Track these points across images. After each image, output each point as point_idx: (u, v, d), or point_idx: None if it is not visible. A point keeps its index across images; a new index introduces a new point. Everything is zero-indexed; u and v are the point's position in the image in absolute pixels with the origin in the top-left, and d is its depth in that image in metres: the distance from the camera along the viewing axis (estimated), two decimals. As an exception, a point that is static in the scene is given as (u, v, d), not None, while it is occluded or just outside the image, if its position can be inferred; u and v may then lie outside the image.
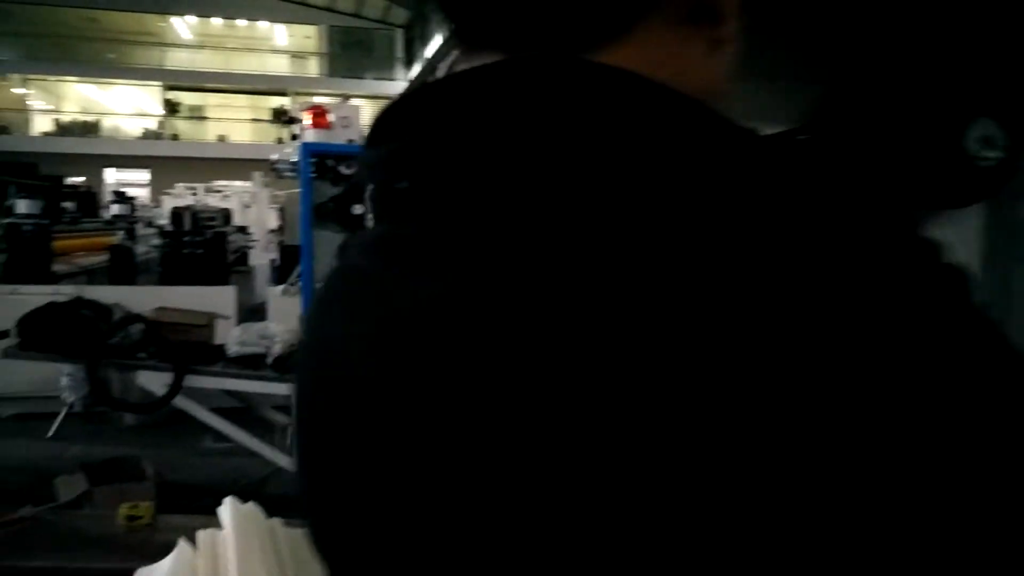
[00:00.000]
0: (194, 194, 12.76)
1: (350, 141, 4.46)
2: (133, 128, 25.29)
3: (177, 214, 7.42)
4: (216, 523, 1.78)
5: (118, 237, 7.37)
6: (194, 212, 7.14)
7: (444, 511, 0.34)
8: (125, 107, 25.68)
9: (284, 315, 6.17)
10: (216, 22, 25.48)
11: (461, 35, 0.44)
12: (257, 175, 10.12)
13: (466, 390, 0.33)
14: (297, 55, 26.44)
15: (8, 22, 23.76)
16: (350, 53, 25.71)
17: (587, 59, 0.38)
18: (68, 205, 9.03)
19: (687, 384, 0.29)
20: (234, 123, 25.80)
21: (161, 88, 25.50)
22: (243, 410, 5.33)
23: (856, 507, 0.27)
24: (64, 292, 5.96)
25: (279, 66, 26.12)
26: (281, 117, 25.34)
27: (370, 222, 0.47)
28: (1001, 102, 0.94)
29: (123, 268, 6.96)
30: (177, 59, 25.44)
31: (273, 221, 10.14)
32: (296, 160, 4.90)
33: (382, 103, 0.52)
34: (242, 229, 8.50)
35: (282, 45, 26.69)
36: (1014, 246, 1.08)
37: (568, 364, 0.30)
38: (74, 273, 7.22)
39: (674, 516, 0.28)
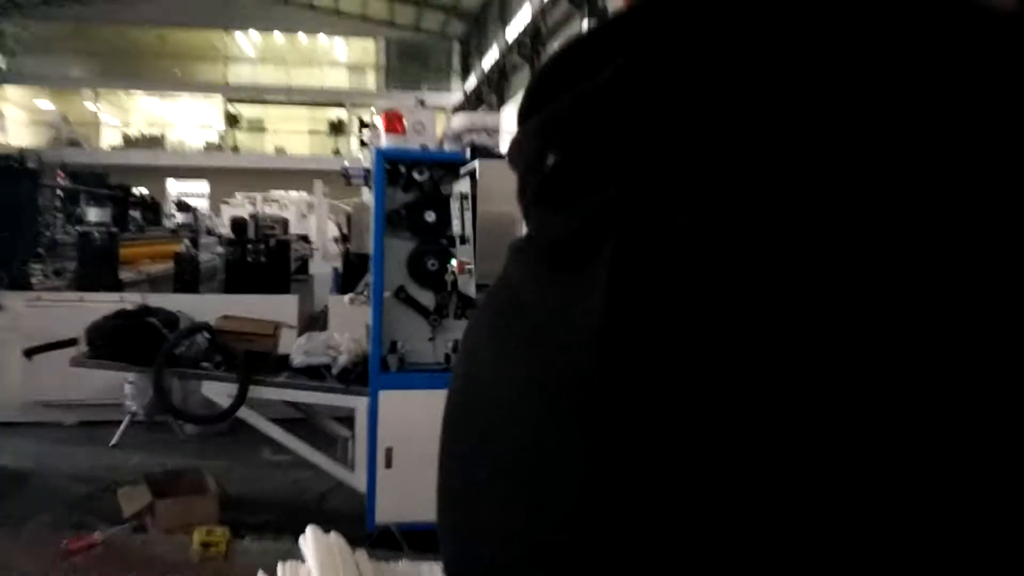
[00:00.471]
0: (252, 204, 12.89)
1: (423, 147, 4.32)
2: (195, 141, 25.86)
3: (239, 223, 7.41)
4: (295, 551, 1.64)
5: (182, 245, 7.40)
6: (257, 221, 7.12)
7: None
8: (188, 120, 26.29)
9: (346, 324, 6.08)
10: (278, 37, 25.96)
11: None
12: (318, 184, 10.13)
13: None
14: (355, 68, 26.75)
15: (82, 40, 24.62)
16: (407, 65, 25.92)
17: None
18: (135, 214, 9.14)
19: None
20: (292, 135, 26.19)
21: (223, 102, 26.07)
22: (302, 421, 5.22)
23: None
24: (129, 300, 5.96)
25: (337, 79, 26.47)
26: (337, 129, 25.67)
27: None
28: None
29: (187, 276, 6.96)
30: (239, 73, 25.98)
31: (331, 230, 10.14)
32: (366, 167, 4.80)
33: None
34: (303, 238, 8.48)
35: (341, 59, 27.02)
36: None
37: None
38: (138, 281, 7.25)
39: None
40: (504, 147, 2.65)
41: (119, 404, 5.94)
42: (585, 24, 16.29)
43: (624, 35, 0.28)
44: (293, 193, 14.51)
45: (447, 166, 4.36)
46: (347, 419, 5.29)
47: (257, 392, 4.37)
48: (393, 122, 4.14)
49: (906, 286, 0.22)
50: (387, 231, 4.23)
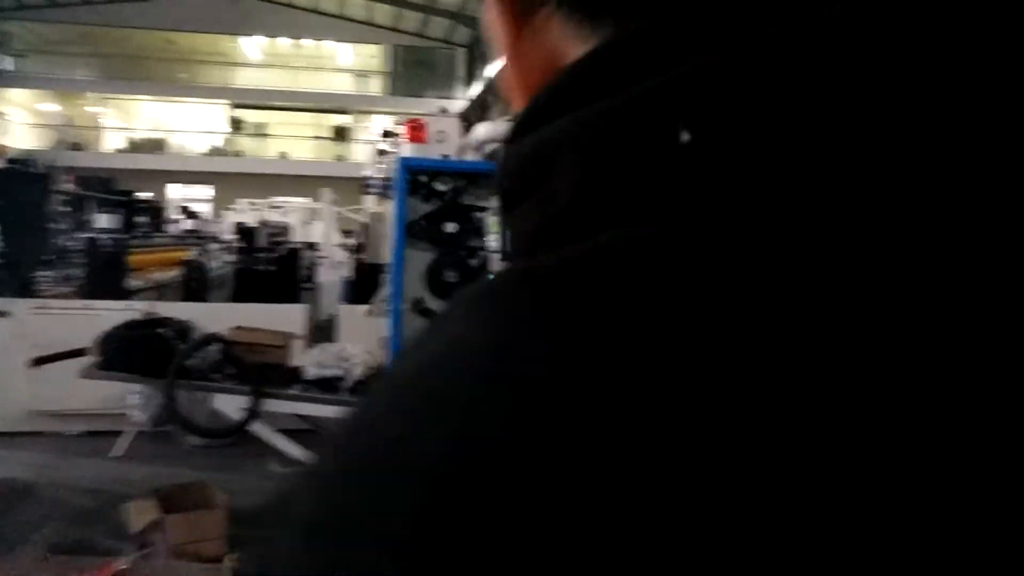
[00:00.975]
0: (256, 209, 12.78)
1: (445, 156, 4.23)
2: (199, 145, 25.79)
3: (247, 230, 7.31)
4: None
5: (190, 252, 7.28)
6: (268, 228, 7.02)
7: None
8: (192, 125, 26.23)
9: (357, 334, 5.97)
10: (283, 42, 25.93)
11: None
12: (325, 192, 10.01)
13: None
14: (360, 74, 26.70)
15: (88, 43, 24.58)
16: (412, 72, 25.88)
17: None
18: (140, 220, 9.03)
19: None
20: (295, 140, 26.12)
21: (228, 106, 26.01)
22: (310, 432, 5.11)
23: None
24: (136, 308, 5.85)
25: (342, 85, 26.42)
26: (341, 135, 25.60)
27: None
28: None
29: (195, 284, 6.86)
30: (244, 78, 25.93)
31: (336, 237, 10.02)
32: (387, 176, 4.71)
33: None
34: (311, 246, 8.37)
35: (346, 64, 26.98)
36: None
37: None
38: (146, 289, 7.14)
39: None
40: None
41: (123, 414, 5.83)
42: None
43: (652, 52, 0.25)
44: (296, 199, 14.40)
45: (469, 176, 4.27)
46: (358, 432, 5.19)
47: (270, 405, 4.27)
48: (417, 131, 4.04)
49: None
50: (407, 242, 4.14)
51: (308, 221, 12.20)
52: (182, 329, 4.72)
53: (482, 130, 4.36)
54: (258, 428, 4.32)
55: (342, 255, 9.06)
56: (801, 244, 0.21)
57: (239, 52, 26.45)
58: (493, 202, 2.57)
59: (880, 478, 0.18)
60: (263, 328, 4.87)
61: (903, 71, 0.22)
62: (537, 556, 0.18)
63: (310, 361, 4.63)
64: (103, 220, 6.71)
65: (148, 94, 25.90)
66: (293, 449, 4.48)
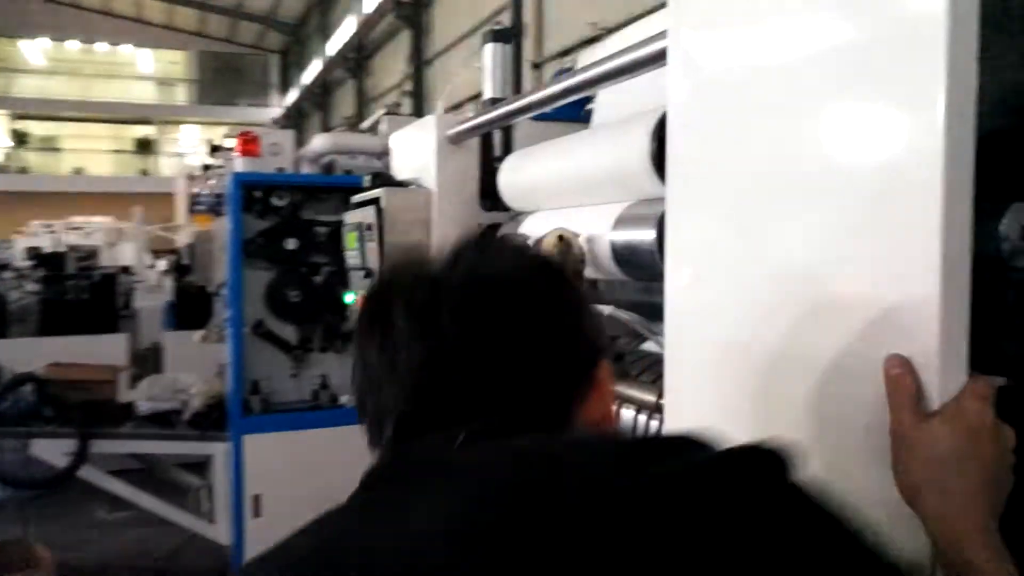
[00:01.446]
0: (52, 232, 11.67)
1: (280, 170, 4.05)
2: (-28, 162, 23.07)
3: (51, 255, 6.64)
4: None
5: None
6: (76, 253, 6.41)
7: None
8: (-36, 139, 23.44)
9: (187, 363, 5.58)
10: (72, 46, 23.74)
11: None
12: (137, 209, 9.28)
13: None
14: (163, 82, 24.99)
15: None
16: (221, 79, 24.55)
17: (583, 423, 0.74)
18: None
19: None
20: (92, 154, 24.00)
21: (7, 117, 23.47)
22: (141, 472, 4.72)
23: None
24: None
25: (142, 93, 24.60)
26: (145, 147, 23.88)
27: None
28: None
29: (-8, 318, 6.13)
30: (26, 86, 23.49)
31: (147, 258, 9.34)
32: (218, 192, 4.43)
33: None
34: (125, 270, 7.72)
35: (146, 71, 25.15)
36: None
37: None
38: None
39: None
40: (396, 170, 2.50)
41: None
42: (409, 38, 16.20)
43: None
44: (98, 218, 13.24)
45: (307, 190, 4.12)
46: (196, 466, 4.86)
47: (101, 447, 3.89)
48: (249, 144, 3.84)
49: None
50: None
51: (114, 243, 11.29)
52: (-13, 371, 4.22)
53: (319, 142, 4.22)
54: (86, 472, 3.93)
55: (162, 278, 8.46)
56: None
57: (19, 57, 23.94)
58: (348, 216, 2.49)
59: None
60: (83, 362, 4.44)
61: None
62: None
63: (141, 395, 4.28)
64: None
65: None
66: (130, 493, 4.12)
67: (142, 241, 9.18)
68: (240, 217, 3.87)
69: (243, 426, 3.83)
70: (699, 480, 0.55)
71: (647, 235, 1.46)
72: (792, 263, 0.95)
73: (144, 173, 22.88)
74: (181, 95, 24.86)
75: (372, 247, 2.24)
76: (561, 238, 1.55)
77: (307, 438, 3.92)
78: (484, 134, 2.22)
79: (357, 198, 2.42)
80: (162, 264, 10.18)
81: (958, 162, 0.76)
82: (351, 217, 2.41)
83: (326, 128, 21.18)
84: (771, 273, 0.99)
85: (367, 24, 17.21)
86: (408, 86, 16.09)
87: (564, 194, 1.83)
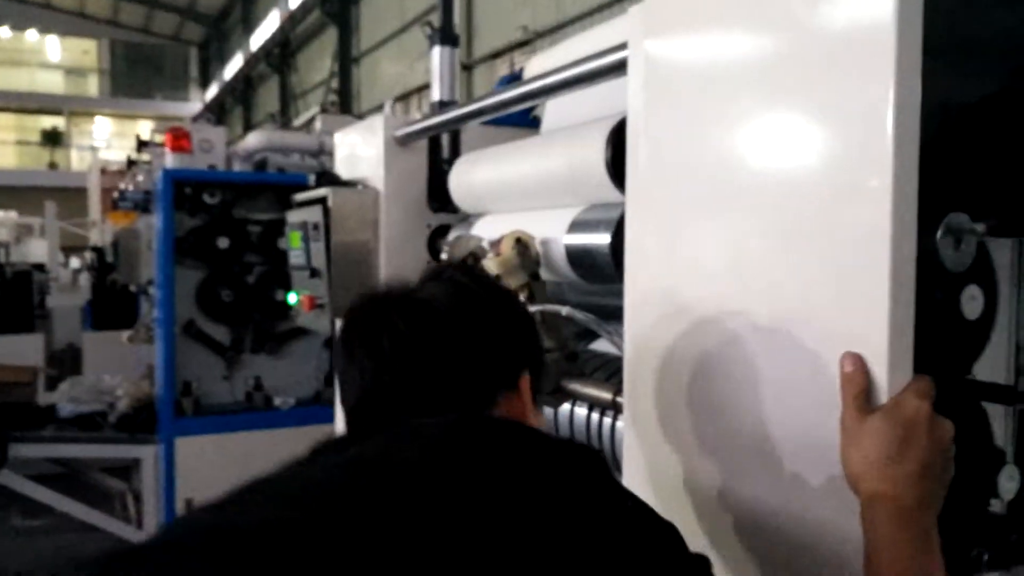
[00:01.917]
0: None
1: (212, 167, 3.96)
2: None
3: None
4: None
5: None
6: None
7: None
8: None
9: (107, 363, 5.40)
10: (-28, 32, 22.53)
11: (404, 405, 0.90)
12: (49, 205, 8.89)
13: None
14: (73, 71, 23.93)
15: None
16: (136, 71, 23.67)
17: (493, 415, 0.92)
18: None
19: None
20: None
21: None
22: (63, 477, 4.55)
23: None
24: None
25: (51, 83, 23.51)
26: (54, 139, 22.81)
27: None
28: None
29: None
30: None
31: (59, 256, 8.97)
32: (146, 189, 4.30)
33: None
34: (39, 267, 7.38)
35: (54, 60, 24.04)
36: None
37: None
38: None
39: None
40: (340, 170, 2.49)
41: None
42: (335, 35, 15.98)
43: None
44: (1, 213, 12.61)
45: (240, 188, 4.05)
46: (120, 471, 4.71)
47: (19, 451, 3.74)
48: (179, 139, 3.75)
49: None
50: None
51: (21, 239, 10.80)
52: None
53: (252, 139, 4.15)
54: (4, 477, 3.77)
55: (77, 276, 8.14)
56: None
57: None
58: (291, 216, 2.48)
59: None
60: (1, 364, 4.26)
61: None
62: None
63: (62, 397, 4.13)
64: None
65: None
66: (46, 496, 3.97)
67: (55, 238, 8.80)
68: (171, 215, 3.78)
69: (175, 428, 3.74)
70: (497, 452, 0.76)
71: (602, 239, 1.52)
72: (747, 267, 1.02)
73: (53, 166, 21.89)
74: (93, 86, 23.87)
75: (318, 247, 2.24)
76: (519, 240, 1.60)
77: (241, 440, 3.86)
78: (433, 136, 2.24)
79: (300, 197, 2.40)
80: (76, 262, 9.78)
81: (905, 172, 0.84)
82: (295, 216, 2.40)
83: (248, 124, 20.69)
84: (727, 276, 1.05)
85: (292, 19, 16.89)
86: (335, 83, 15.87)
87: (517, 197, 1.88)
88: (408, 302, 0.94)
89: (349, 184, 2.33)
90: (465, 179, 2.08)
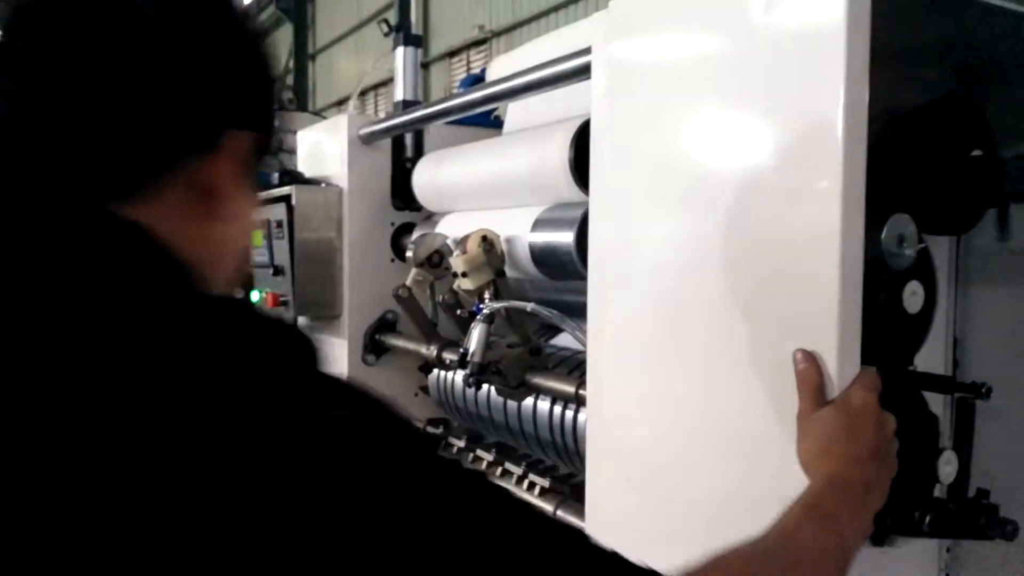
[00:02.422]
0: None
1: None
2: None
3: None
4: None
5: None
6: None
7: None
8: None
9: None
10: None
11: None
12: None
13: None
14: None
15: None
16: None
17: (107, 209, 0.54)
18: None
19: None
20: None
21: None
22: None
23: None
24: None
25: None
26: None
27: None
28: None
29: None
30: None
31: None
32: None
33: None
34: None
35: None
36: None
37: None
38: None
39: None
40: (301, 166, 2.50)
41: None
42: (292, 32, 15.83)
43: None
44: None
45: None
46: None
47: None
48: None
49: None
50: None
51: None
52: None
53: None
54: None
55: None
56: None
57: None
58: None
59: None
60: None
61: None
62: None
63: None
64: None
65: None
66: None
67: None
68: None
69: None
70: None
71: (566, 237, 1.56)
72: (705, 264, 1.06)
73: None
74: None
75: (282, 244, 2.25)
76: (485, 238, 1.64)
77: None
78: (396, 135, 2.27)
79: (263, 195, 2.41)
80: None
81: (854, 174, 0.89)
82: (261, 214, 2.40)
83: (201, 119, 20.33)
84: (686, 273, 1.10)
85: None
86: (290, 80, 15.70)
87: (481, 196, 1.91)
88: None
89: (312, 182, 2.34)
90: (429, 178, 2.11)
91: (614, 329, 1.25)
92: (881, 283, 0.97)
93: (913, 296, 1.02)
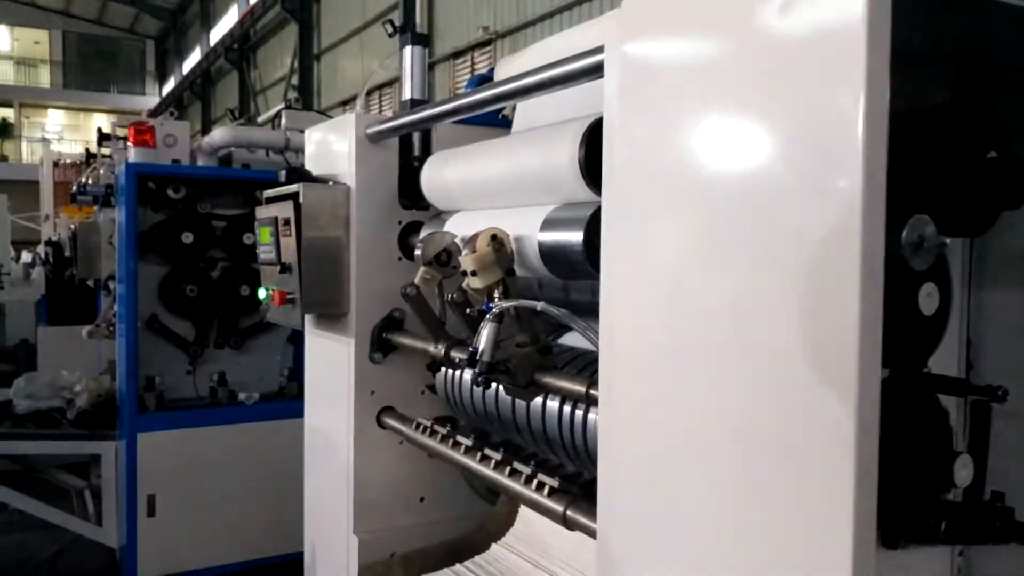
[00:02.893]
0: None
1: (176, 161, 3.92)
2: None
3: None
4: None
5: None
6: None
7: None
8: None
9: (65, 359, 5.29)
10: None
11: None
12: (1, 198, 8.66)
13: None
14: (24, 62, 23.29)
15: None
16: (90, 63, 23.13)
17: None
18: None
19: None
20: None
21: None
22: (17, 474, 4.46)
23: None
24: None
25: (1, 73, 22.86)
26: (4, 131, 22.20)
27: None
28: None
29: None
30: None
31: (10, 250, 8.74)
32: (107, 183, 4.23)
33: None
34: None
35: (5, 50, 23.37)
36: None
37: None
38: None
39: None
40: (309, 164, 2.49)
41: None
42: (297, 32, 15.82)
43: None
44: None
45: (204, 183, 4.02)
46: (78, 467, 4.63)
47: (-26, 449, 3.66)
48: (143, 134, 3.71)
49: None
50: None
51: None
52: None
53: (217, 135, 4.12)
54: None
55: (28, 271, 7.95)
56: None
57: None
58: (261, 211, 2.47)
59: None
60: (-47, 360, 4.16)
61: None
62: None
63: (17, 393, 4.05)
64: None
65: None
66: (10, 496, 3.90)
67: (6, 231, 8.59)
68: (134, 210, 3.74)
69: (138, 424, 3.70)
70: None
71: (575, 236, 1.56)
72: (722, 264, 1.06)
73: (3, 159, 21.30)
74: (45, 77, 23.27)
75: (288, 242, 2.25)
76: (494, 237, 1.63)
77: (204, 435, 3.83)
78: (404, 134, 2.26)
79: (270, 193, 2.40)
80: (27, 256, 9.56)
81: (874, 172, 0.88)
82: (264, 212, 2.40)
83: (207, 119, 20.35)
84: (702, 273, 1.10)
85: (252, 15, 16.68)
86: (295, 80, 15.72)
87: (489, 195, 1.91)
88: None
89: (320, 180, 2.34)
90: (437, 176, 2.11)
91: (626, 328, 1.24)
92: (897, 284, 0.96)
93: (928, 298, 1.02)
